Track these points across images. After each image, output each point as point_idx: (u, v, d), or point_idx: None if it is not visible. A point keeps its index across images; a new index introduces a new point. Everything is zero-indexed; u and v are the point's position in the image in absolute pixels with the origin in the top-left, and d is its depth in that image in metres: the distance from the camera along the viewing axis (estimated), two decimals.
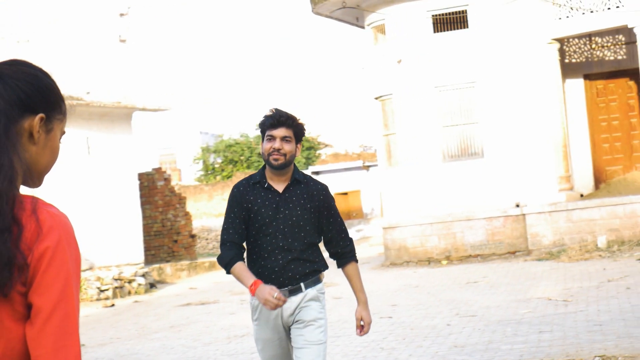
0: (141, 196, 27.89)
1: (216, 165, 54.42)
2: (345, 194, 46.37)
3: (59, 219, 2.30)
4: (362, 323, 6.00)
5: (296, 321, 5.87)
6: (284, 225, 5.84)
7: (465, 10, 24.48)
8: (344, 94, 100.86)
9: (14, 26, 23.82)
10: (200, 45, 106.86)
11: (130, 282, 22.92)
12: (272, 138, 5.83)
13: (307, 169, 48.94)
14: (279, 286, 5.78)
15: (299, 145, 5.94)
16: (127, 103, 25.97)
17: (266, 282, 5.74)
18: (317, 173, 47.04)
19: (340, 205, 46.09)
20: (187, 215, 29.37)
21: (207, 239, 43.32)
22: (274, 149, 5.81)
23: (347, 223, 44.39)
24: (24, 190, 2.36)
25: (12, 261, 2.22)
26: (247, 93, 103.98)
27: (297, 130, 5.90)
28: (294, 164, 6.05)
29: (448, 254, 23.93)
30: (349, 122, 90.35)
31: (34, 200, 2.31)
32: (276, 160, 5.82)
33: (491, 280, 18.28)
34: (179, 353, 12.89)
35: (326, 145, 56.82)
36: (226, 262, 5.80)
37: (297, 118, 5.96)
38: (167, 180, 29.45)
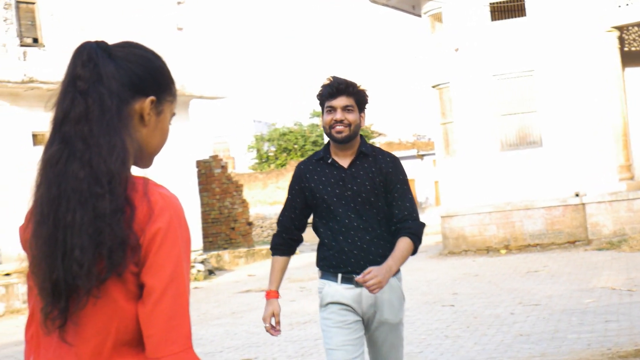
0: (198, 183, 28.04)
1: (270, 154, 54.54)
2: None
3: (170, 200, 2.32)
4: (369, 274, 4.79)
5: (379, 320, 5.28)
6: (354, 202, 5.24)
7: None
8: (398, 83, 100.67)
9: (74, 15, 24.04)
10: (255, 33, 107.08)
11: None
12: (332, 109, 5.25)
13: None
14: (361, 270, 5.13)
15: (362, 114, 5.32)
16: (184, 91, 26.11)
17: (345, 266, 5.24)
18: None
19: None
20: (244, 202, 29.50)
21: (261, 227, 43.48)
22: (335, 120, 5.22)
23: None
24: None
25: (126, 242, 2.25)
26: (300, 81, 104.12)
27: (358, 97, 5.29)
28: (361, 136, 5.41)
29: (507, 243, 23.83)
30: (402, 110, 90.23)
31: (146, 181, 2.34)
32: (339, 132, 5.22)
33: (552, 270, 18.18)
34: (243, 339, 12.96)
35: (380, 134, 56.69)
36: (271, 249, 5.55)
37: (358, 84, 5.33)
38: (224, 167, 29.59)
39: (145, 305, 2.27)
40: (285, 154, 53.13)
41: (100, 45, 2.40)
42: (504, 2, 24.49)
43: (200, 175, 28.67)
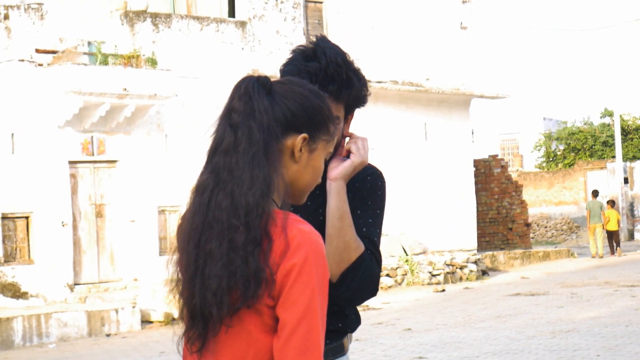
0: (476, 183, 28.02)
1: (558, 153, 53.56)
2: None
3: (308, 237, 2.35)
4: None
5: None
6: None
7: None
8: None
9: (358, 14, 24.57)
10: (541, 29, 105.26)
11: (461, 268, 23.07)
12: None
13: None
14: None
15: (349, 118, 3.18)
16: (465, 90, 26.14)
17: None
18: None
19: None
20: (522, 203, 29.21)
21: (545, 227, 43.16)
22: None
23: None
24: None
25: (259, 274, 2.31)
26: (592, 78, 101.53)
27: (350, 102, 3.13)
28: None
29: None
30: None
31: (286, 216, 2.38)
32: None
33: None
34: (502, 344, 12.87)
35: None
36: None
37: (359, 73, 3.12)
38: (504, 167, 29.45)
39: (278, 339, 2.33)
40: (573, 154, 52.02)
41: (260, 81, 2.47)
42: None
43: (478, 174, 28.62)
